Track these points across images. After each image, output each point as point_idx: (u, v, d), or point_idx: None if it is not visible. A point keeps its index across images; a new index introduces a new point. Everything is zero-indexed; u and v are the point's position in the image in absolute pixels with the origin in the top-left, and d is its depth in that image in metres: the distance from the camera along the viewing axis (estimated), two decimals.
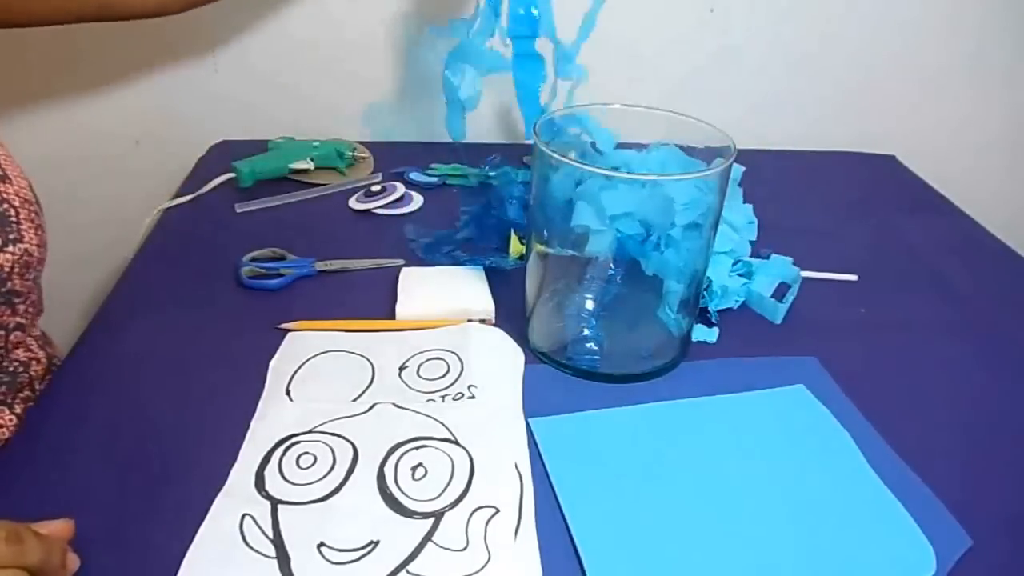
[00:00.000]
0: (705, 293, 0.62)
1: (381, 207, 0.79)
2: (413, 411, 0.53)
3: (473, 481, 0.47)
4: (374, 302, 0.63)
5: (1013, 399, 0.58)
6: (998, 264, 0.77)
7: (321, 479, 0.47)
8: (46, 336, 0.66)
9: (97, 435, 0.50)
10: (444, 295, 0.63)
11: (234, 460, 0.48)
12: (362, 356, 0.58)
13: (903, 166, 0.99)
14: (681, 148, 0.60)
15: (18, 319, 0.56)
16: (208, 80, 0.97)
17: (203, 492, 0.46)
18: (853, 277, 0.70)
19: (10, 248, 0.52)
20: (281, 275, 0.66)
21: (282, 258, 0.69)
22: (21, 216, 0.53)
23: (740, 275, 0.65)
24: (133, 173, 0.99)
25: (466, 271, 0.66)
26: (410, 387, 0.55)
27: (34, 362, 0.59)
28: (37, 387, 0.59)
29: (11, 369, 0.57)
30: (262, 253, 0.69)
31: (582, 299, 0.61)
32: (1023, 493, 0.50)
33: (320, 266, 0.68)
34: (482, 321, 0.62)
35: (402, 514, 0.45)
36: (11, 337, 0.56)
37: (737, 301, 0.64)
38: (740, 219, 0.68)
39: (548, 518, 0.46)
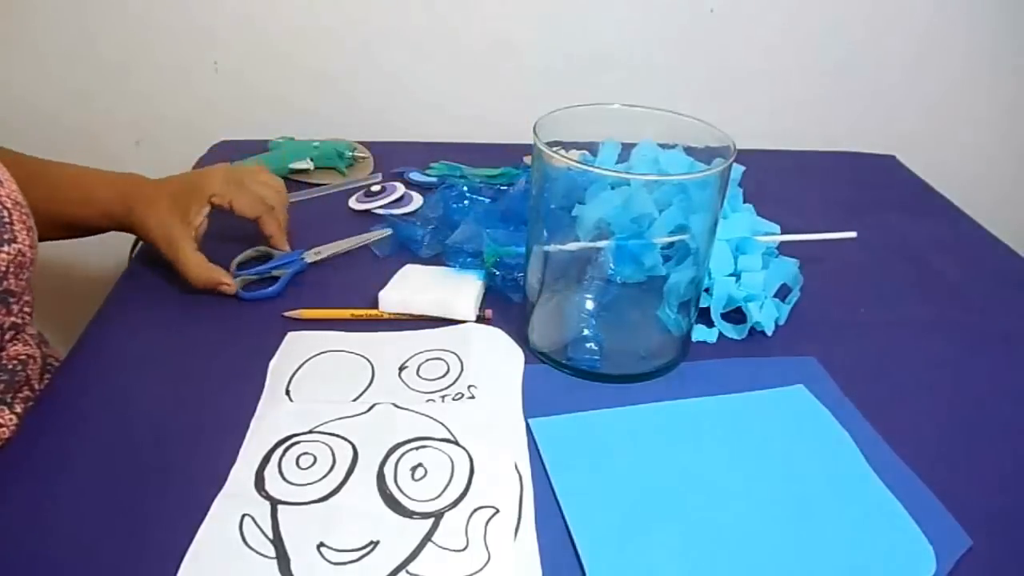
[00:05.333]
0: (705, 293, 0.62)
1: (381, 207, 0.79)
2: (413, 411, 0.52)
3: (473, 481, 0.47)
4: (371, 290, 0.63)
5: (1014, 399, 0.58)
6: (998, 264, 0.77)
7: (321, 479, 0.47)
8: (42, 336, 0.66)
9: (97, 435, 0.50)
10: (430, 291, 0.63)
11: (234, 460, 0.48)
12: (362, 356, 0.58)
13: (903, 166, 0.99)
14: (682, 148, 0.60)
15: (13, 319, 0.56)
16: (208, 80, 0.97)
17: (203, 492, 0.46)
18: (852, 234, 0.71)
19: (5, 248, 0.52)
20: (275, 277, 0.66)
21: (268, 256, 0.68)
22: (14, 217, 0.54)
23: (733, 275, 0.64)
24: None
25: (465, 275, 0.65)
26: (410, 387, 0.55)
27: (31, 360, 0.59)
28: (36, 386, 0.59)
29: (9, 367, 0.57)
30: (246, 256, 0.68)
31: (582, 299, 0.61)
32: (1022, 493, 0.50)
33: (310, 257, 0.68)
34: (482, 321, 0.62)
35: (402, 514, 0.45)
36: (6, 336, 0.56)
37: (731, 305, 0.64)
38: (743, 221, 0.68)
39: (548, 518, 0.46)
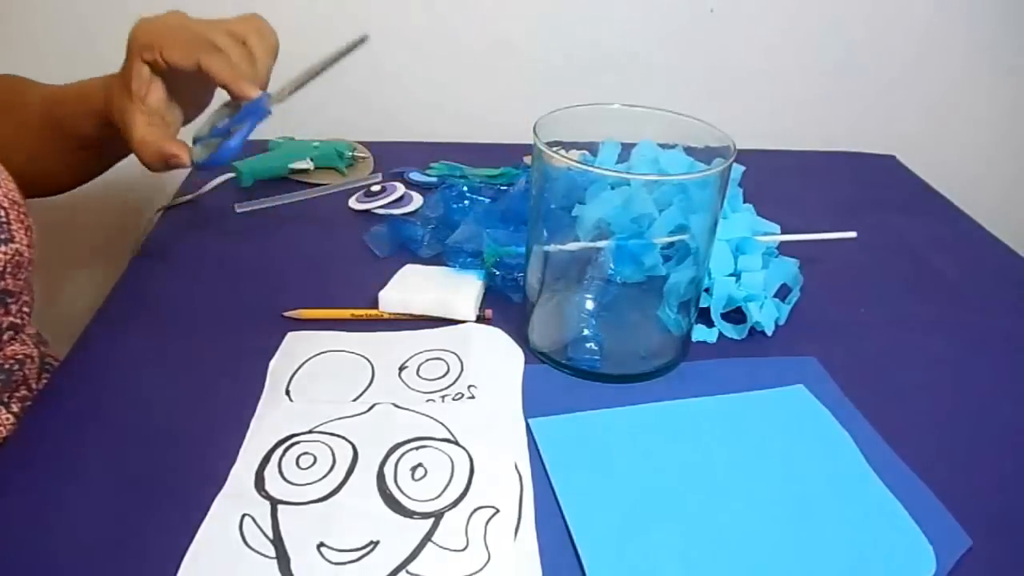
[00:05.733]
0: (705, 293, 0.62)
1: (381, 207, 0.79)
2: (413, 411, 0.52)
3: (473, 481, 0.47)
4: (371, 290, 0.63)
5: (1014, 400, 0.58)
6: (998, 264, 0.77)
7: (321, 479, 0.47)
8: (40, 335, 0.66)
9: (96, 435, 0.50)
10: (430, 291, 0.62)
11: (234, 460, 0.48)
12: (362, 356, 0.58)
13: (903, 166, 0.99)
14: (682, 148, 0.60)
15: (11, 319, 0.56)
16: None
17: (203, 492, 0.46)
18: (852, 234, 0.71)
19: (2, 248, 0.52)
20: (231, 134, 0.55)
21: (238, 109, 0.57)
22: (11, 216, 0.53)
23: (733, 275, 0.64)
24: (133, 173, 0.98)
25: (465, 275, 0.65)
26: (410, 387, 0.55)
27: (28, 360, 0.59)
28: (33, 386, 0.59)
29: (6, 367, 0.57)
30: (218, 114, 0.57)
31: (582, 299, 0.61)
32: (1022, 493, 0.50)
33: (276, 98, 0.58)
34: (482, 321, 0.62)
35: (402, 514, 0.45)
36: (4, 337, 0.56)
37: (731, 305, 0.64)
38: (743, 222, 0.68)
39: (548, 518, 0.46)
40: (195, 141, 0.55)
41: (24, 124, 0.65)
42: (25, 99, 0.67)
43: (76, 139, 0.64)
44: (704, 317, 0.62)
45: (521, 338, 0.60)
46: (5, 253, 0.53)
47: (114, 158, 0.68)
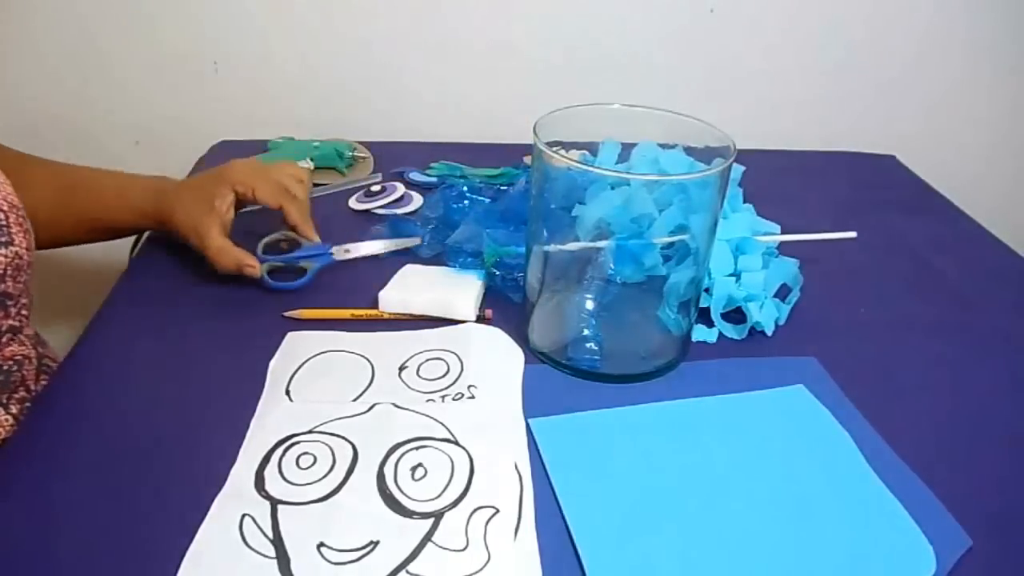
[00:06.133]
0: (705, 293, 0.62)
1: (381, 207, 0.79)
2: (413, 411, 0.52)
3: (473, 481, 0.47)
4: (371, 290, 0.63)
5: (1013, 400, 0.58)
6: (998, 264, 0.77)
7: (321, 479, 0.47)
8: (39, 336, 0.66)
9: (96, 435, 0.50)
10: (430, 291, 0.63)
11: (234, 460, 0.48)
12: (362, 356, 0.58)
13: (903, 166, 0.99)
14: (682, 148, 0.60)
15: (11, 322, 0.56)
16: (208, 80, 0.97)
17: (203, 492, 0.46)
18: (852, 234, 0.71)
19: (2, 251, 0.52)
20: (302, 269, 0.66)
21: (294, 242, 0.68)
22: (11, 220, 0.54)
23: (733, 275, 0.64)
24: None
25: (465, 275, 0.65)
26: (410, 387, 0.55)
27: (27, 361, 0.59)
28: (32, 387, 0.59)
29: (4, 368, 0.57)
30: (272, 239, 0.68)
31: (582, 299, 0.61)
32: (1022, 493, 0.50)
33: (339, 255, 0.68)
34: (482, 321, 0.62)
35: (402, 514, 0.45)
36: (3, 339, 0.56)
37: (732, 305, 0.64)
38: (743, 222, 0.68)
39: (548, 518, 0.46)
40: (263, 258, 0.66)
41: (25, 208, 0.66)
42: (33, 180, 0.68)
43: (104, 225, 0.71)
44: (704, 317, 0.62)
45: (521, 338, 0.60)
46: (5, 256, 0.53)
47: (123, 237, 0.75)
